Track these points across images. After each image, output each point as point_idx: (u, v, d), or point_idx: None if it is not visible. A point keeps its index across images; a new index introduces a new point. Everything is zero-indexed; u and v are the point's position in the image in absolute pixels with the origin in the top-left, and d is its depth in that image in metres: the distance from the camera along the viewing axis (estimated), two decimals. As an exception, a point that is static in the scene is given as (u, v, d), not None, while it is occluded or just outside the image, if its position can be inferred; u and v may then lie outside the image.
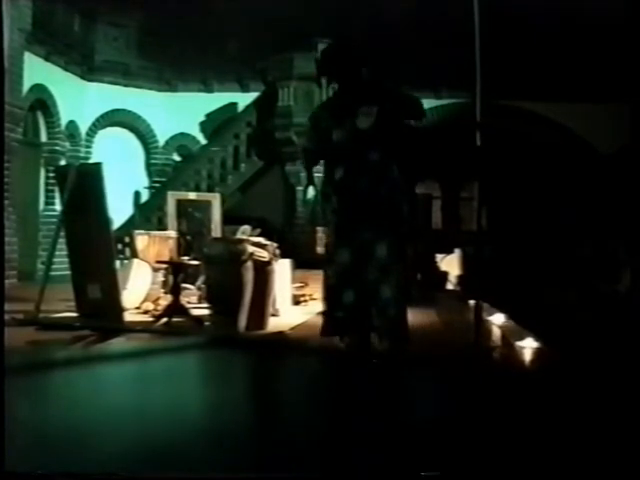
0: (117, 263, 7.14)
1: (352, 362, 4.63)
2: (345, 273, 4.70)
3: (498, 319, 6.63)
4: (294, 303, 7.65)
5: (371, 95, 4.81)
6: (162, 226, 10.54)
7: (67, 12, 12.35)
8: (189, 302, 7.16)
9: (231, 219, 9.99)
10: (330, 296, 4.84)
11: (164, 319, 6.30)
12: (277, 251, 6.39)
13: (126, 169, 12.80)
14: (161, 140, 14.08)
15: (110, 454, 2.72)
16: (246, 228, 7.49)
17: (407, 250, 5.02)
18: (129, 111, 13.73)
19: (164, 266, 7.50)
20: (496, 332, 6.25)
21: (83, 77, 13.09)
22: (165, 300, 6.93)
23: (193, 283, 7.81)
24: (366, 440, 2.96)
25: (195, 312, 6.54)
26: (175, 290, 6.55)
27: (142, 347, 5.47)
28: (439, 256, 11.75)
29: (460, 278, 10.77)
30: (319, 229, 11.57)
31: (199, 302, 7.27)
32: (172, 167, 14.18)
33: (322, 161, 5.06)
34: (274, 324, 6.22)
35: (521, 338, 5.53)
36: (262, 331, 5.94)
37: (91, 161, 12.06)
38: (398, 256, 4.71)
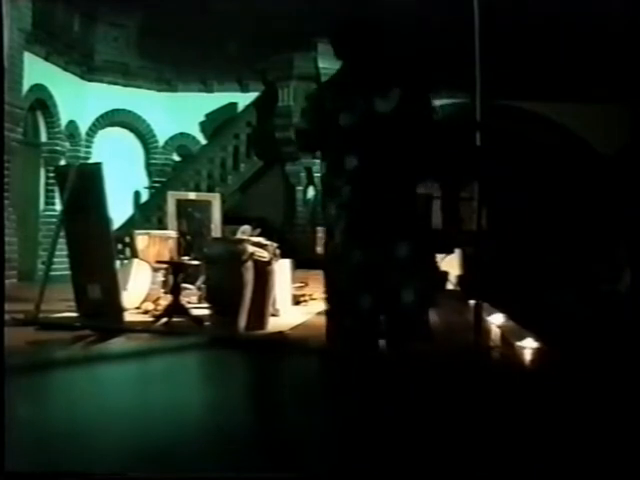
0: (117, 263, 7.14)
1: (361, 364, 4.48)
2: (359, 276, 4.20)
3: (498, 319, 6.63)
4: (294, 303, 7.65)
5: (392, 74, 4.23)
6: (162, 226, 10.54)
7: (67, 12, 12.33)
8: (189, 302, 7.16)
9: (231, 219, 9.99)
10: (342, 302, 4.32)
11: (164, 319, 6.31)
12: (277, 251, 6.39)
13: (126, 169, 12.79)
14: (161, 140, 14.07)
15: (110, 454, 2.72)
16: (246, 228, 7.49)
17: (430, 250, 4.68)
18: (129, 111, 13.72)
19: (164, 266, 7.50)
20: (496, 332, 6.24)
21: (83, 77, 13.07)
22: (165, 300, 6.93)
23: (193, 283, 7.81)
24: (367, 441, 2.96)
25: (195, 312, 6.54)
26: (175, 290, 6.56)
27: (142, 347, 5.48)
28: (439, 256, 11.74)
29: (460, 278, 10.77)
30: (319, 229, 11.57)
31: (199, 302, 7.27)
32: (172, 167, 14.17)
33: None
34: (274, 324, 6.22)
35: (521, 338, 5.53)
36: (262, 331, 5.94)
37: (91, 161, 12.05)
38: (420, 256, 4.31)
